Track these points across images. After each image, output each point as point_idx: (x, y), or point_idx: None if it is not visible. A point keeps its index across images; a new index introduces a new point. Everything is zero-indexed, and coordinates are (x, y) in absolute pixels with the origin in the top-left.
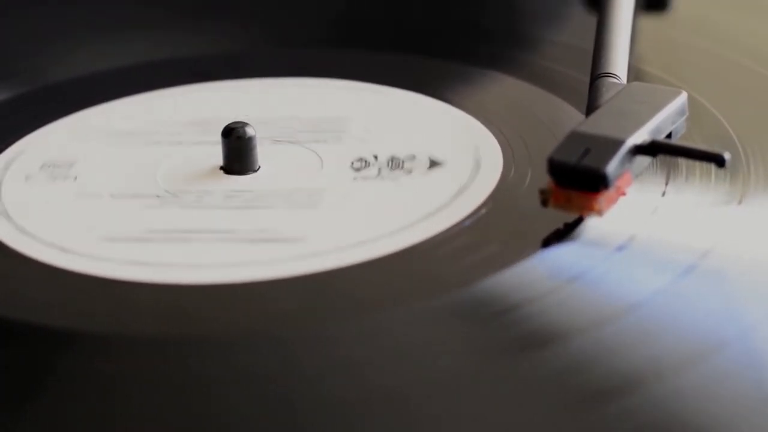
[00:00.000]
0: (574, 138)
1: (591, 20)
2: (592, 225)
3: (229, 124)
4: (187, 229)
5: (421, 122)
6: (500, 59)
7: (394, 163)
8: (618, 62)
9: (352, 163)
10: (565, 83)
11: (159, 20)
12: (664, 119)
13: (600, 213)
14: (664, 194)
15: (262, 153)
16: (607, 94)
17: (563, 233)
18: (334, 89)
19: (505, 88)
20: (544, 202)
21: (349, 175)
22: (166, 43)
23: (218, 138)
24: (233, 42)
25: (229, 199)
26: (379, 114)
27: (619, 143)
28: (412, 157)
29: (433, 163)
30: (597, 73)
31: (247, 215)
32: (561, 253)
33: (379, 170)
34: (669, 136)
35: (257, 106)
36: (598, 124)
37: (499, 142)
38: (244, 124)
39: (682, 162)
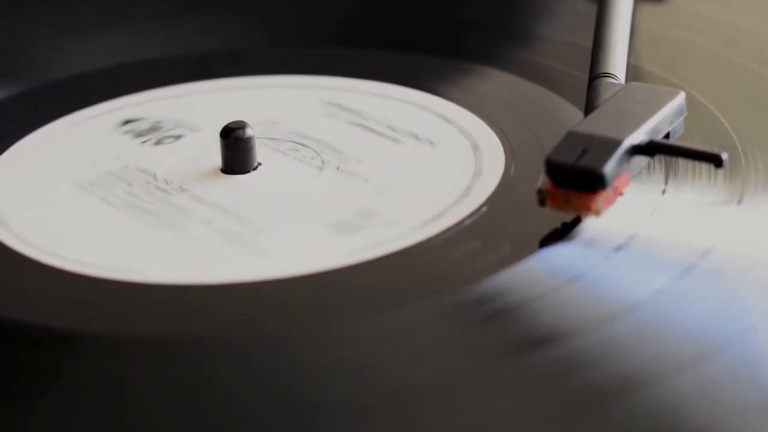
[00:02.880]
0: (572, 138)
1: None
2: (592, 225)
3: (228, 124)
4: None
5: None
6: (500, 58)
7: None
8: (616, 62)
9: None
10: (565, 80)
11: (159, 19)
12: (662, 119)
13: (597, 213)
14: (663, 193)
15: (261, 153)
16: (605, 94)
17: (563, 233)
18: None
19: (505, 87)
20: (542, 202)
21: (349, 174)
22: (166, 41)
23: (217, 138)
24: (233, 40)
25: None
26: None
27: (616, 143)
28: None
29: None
30: (595, 73)
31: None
32: (561, 253)
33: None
34: (667, 136)
35: (257, 105)
36: (595, 125)
37: (501, 140)
38: (243, 124)
39: (682, 162)
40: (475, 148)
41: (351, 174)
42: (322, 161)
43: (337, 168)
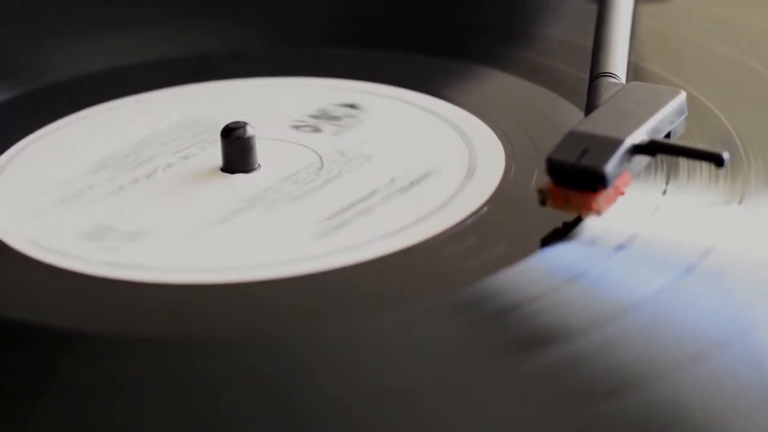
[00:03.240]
0: (573, 137)
1: (591, 16)
2: (592, 224)
3: (228, 124)
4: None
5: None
6: (500, 58)
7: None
8: (617, 62)
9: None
10: (565, 80)
11: (159, 19)
12: (662, 119)
13: (598, 213)
14: (664, 193)
15: (261, 153)
16: (605, 94)
17: (563, 233)
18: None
19: (505, 87)
20: (543, 202)
21: (349, 174)
22: (166, 42)
23: (218, 137)
24: (233, 41)
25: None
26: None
27: (617, 143)
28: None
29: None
30: (596, 73)
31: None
32: (561, 253)
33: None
34: (668, 135)
35: (257, 104)
36: (596, 124)
37: (501, 140)
38: (244, 124)
39: (683, 161)
40: (475, 148)
41: (351, 174)
42: (322, 161)
43: (337, 167)
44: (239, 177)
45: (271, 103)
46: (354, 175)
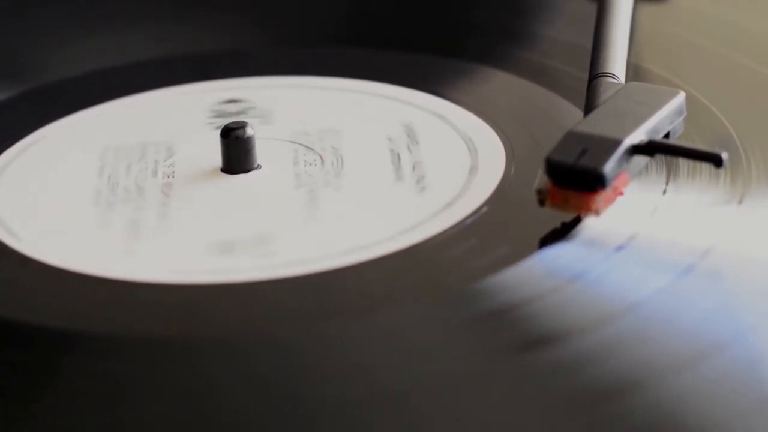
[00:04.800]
0: (572, 138)
1: (590, 16)
2: (592, 224)
3: (228, 124)
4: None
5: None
6: (500, 57)
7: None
8: (616, 62)
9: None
10: (565, 80)
11: (159, 19)
12: (661, 119)
13: (597, 213)
14: (664, 193)
15: (261, 153)
16: (605, 94)
17: (563, 233)
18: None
19: (505, 86)
20: (541, 202)
21: (349, 173)
22: (166, 41)
23: (218, 137)
24: (234, 40)
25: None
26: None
27: (616, 143)
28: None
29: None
30: (595, 73)
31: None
32: (561, 253)
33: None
34: (667, 135)
35: (258, 104)
36: (595, 124)
37: (501, 140)
38: (244, 124)
39: (683, 161)
40: (475, 148)
41: (350, 174)
42: (322, 161)
43: (337, 168)
44: (237, 177)
45: (271, 102)
46: (353, 175)
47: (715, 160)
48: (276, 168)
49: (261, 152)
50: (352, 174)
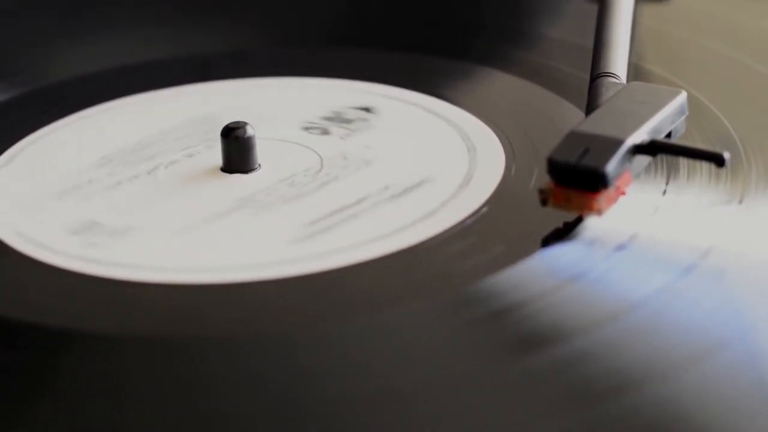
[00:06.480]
0: (574, 138)
1: (591, 16)
2: (592, 224)
3: (228, 124)
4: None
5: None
6: (500, 58)
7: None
8: (618, 62)
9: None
10: (566, 80)
11: (159, 19)
12: (663, 119)
13: (599, 213)
14: (664, 193)
15: (261, 152)
16: (606, 94)
17: (563, 233)
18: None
19: (505, 87)
20: (544, 202)
21: (349, 174)
22: (166, 42)
23: (218, 137)
24: (234, 41)
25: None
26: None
27: (618, 143)
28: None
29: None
30: (596, 73)
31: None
32: (561, 253)
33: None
34: (669, 135)
35: (258, 105)
36: (597, 124)
37: (500, 140)
38: (244, 124)
39: (683, 161)
40: (476, 148)
41: (351, 174)
42: (322, 162)
43: (337, 167)
44: (237, 177)
45: (282, 104)
46: (354, 175)
47: (717, 160)
48: (276, 168)
49: (264, 153)
50: (350, 174)
